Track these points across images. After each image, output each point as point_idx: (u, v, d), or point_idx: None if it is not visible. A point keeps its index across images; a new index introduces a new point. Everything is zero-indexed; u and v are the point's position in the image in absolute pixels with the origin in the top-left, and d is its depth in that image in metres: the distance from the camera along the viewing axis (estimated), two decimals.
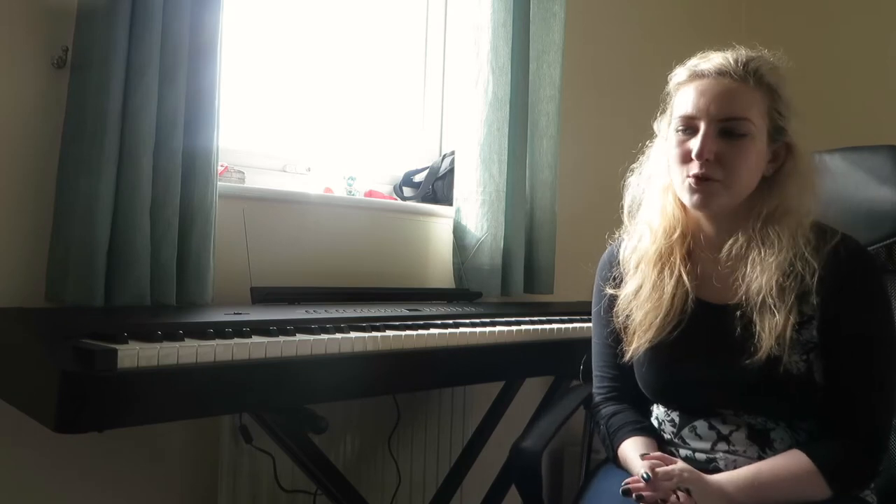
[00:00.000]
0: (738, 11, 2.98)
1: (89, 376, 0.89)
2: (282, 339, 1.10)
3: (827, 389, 1.07)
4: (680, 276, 1.14)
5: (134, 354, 0.93)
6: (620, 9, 2.50)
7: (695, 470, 1.02)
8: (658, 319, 1.13)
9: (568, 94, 2.08)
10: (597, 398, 1.27)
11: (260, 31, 1.80)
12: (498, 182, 1.88)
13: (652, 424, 1.20)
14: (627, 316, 1.18)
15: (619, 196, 1.27)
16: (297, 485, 1.58)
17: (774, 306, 1.05)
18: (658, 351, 1.14)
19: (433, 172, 2.01)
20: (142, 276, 1.30)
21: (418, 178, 2.03)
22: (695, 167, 1.07)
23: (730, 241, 1.11)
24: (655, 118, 1.21)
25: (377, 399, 1.73)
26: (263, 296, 1.46)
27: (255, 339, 1.09)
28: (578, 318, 1.69)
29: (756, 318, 1.06)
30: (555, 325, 1.57)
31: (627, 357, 1.18)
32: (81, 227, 1.26)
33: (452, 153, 1.96)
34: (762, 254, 1.08)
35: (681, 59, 1.19)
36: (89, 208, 1.25)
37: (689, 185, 1.09)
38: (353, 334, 1.20)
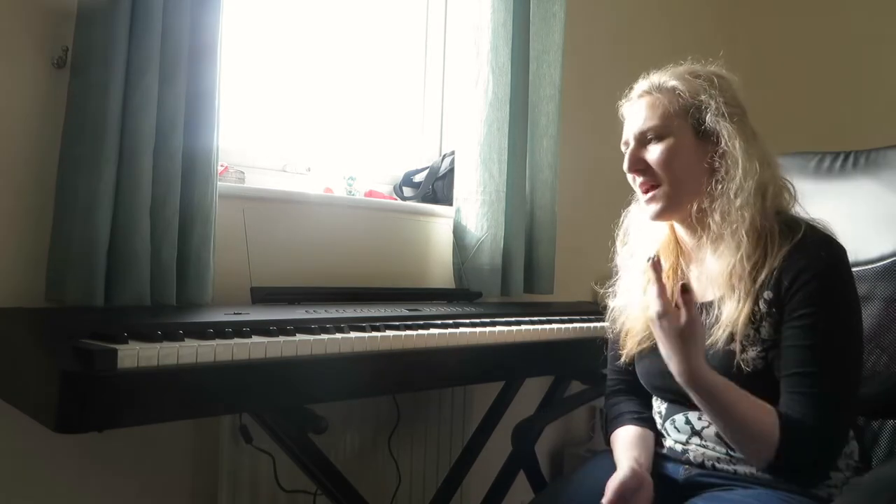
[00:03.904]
0: (739, 11, 2.98)
1: (89, 376, 0.89)
2: (282, 339, 1.10)
3: (782, 382, 1.06)
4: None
5: (134, 354, 0.93)
6: (620, 9, 2.50)
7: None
8: (645, 327, 1.19)
9: (568, 94, 2.08)
10: (607, 390, 1.35)
11: (260, 32, 1.80)
12: (498, 182, 1.88)
13: (650, 416, 1.26)
14: (621, 324, 1.26)
15: (618, 196, 1.29)
16: (297, 485, 1.58)
17: (729, 298, 1.10)
18: (647, 352, 1.21)
19: (433, 172, 2.01)
20: (142, 275, 1.30)
21: (418, 178, 2.03)
22: (637, 180, 1.17)
23: (697, 242, 1.18)
24: None
25: (377, 399, 1.73)
26: (263, 296, 1.46)
27: (255, 339, 1.09)
28: (578, 318, 1.69)
29: (718, 309, 1.11)
30: (555, 325, 1.57)
31: (622, 360, 1.27)
32: (81, 226, 1.25)
33: (452, 153, 1.96)
34: (719, 248, 1.13)
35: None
36: (89, 208, 1.25)
37: (643, 202, 1.18)
38: (353, 334, 1.20)
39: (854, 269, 1.31)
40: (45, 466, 1.35)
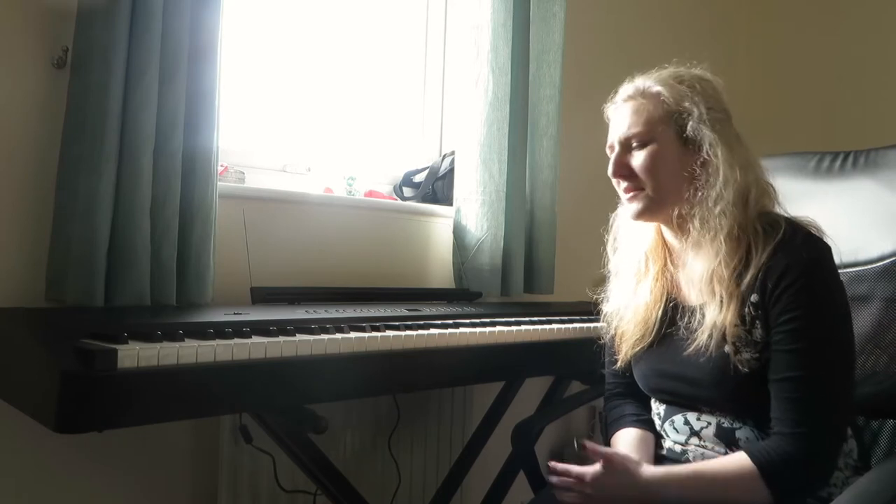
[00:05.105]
0: (738, 12, 2.98)
1: (89, 376, 0.89)
2: (282, 339, 1.10)
3: (771, 387, 1.06)
4: (652, 288, 1.22)
5: (134, 354, 0.93)
6: (620, 9, 2.50)
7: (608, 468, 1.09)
8: (638, 330, 1.22)
9: (568, 94, 2.08)
10: (606, 393, 1.35)
11: (260, 32, 1.80)
12: (498, 182, 1.88)
13: (650, 417, 1.26)
14: (615, 328, 1.27)
15: (618, 196, 1.28)
16: (297, 485, 1.58)
17: (711, 301, 1.11)
18: (642, 354, 1.23)
19: (433, 172, 2.01)
20: (142, 275, 1.30)
21: (418, 178, 2.03)
22: (621, 184, 1.19)
23: (681, 245, 1.19)
24: None
25: (377, 399, 1.73)
26: (263, 296, 1.46)
27: (255, 339, 1.09)
28: (578, 318, 1.69)
29: (703, 313, 1.12)
30: (555, 325, 1.57)
31: (619, 364, 1.27)
32: (81, 226, 1.26)
33: (452, 153, 1.96)
34: (699, 253, 1.15)
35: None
36: (89, 208, 1.25)
37: (625, 200, 1.19)
38: (353, 334, 1.20)
39: (854, 269, 1.31)
40: (45, 466, 1.35)
